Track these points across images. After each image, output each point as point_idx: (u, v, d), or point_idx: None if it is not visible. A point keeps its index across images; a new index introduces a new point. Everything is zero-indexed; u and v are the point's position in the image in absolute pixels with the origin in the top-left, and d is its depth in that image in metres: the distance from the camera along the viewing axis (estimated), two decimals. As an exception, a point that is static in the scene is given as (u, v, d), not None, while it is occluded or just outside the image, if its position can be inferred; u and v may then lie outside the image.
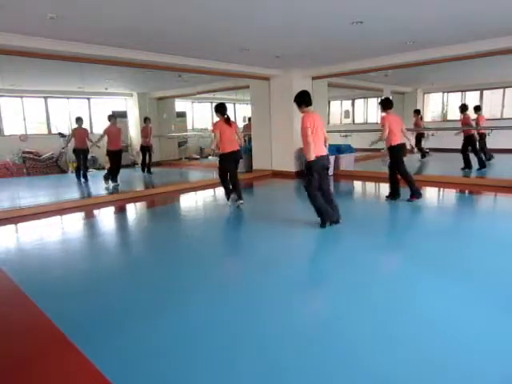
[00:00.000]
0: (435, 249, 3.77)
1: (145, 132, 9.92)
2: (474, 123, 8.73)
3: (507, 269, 3.18)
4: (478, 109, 9.14)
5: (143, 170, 10.15)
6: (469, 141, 8.49)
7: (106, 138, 7.96)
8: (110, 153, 8.02)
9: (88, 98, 10.97)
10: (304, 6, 4.32)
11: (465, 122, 8.60)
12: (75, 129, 8.52)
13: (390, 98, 6.24)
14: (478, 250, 3.73)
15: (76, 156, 8.68)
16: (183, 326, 2.43)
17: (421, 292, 2.79)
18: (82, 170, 8.71)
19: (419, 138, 10.88)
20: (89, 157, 10.09)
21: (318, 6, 4.31)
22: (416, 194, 5.70)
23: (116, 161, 8.08)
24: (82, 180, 8.69)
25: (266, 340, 2.23)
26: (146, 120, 9.99)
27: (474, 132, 8.54)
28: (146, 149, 9.99)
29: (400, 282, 3.00)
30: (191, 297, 2.86)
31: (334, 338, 2.23)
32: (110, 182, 8.10)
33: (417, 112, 11.20)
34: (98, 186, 8.32)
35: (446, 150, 10.82)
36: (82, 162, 8.65)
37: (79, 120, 8.54)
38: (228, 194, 6.00)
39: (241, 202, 5.80)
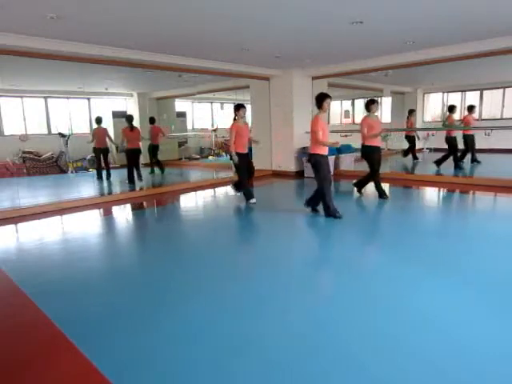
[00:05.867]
0: (435, 249, 3.77)
1: (155, 132, 9.63)
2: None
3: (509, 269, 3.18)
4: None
5: (153, 171, 9.92)
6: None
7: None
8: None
9: (88, 98, 10.96)
10: (304, 6, 4.32)
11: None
12: (96, 128, 8.68)
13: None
14: (478, 250, 3.73)
15: (96, 155, 8.78)
16: (184, 325, 2.43)
17: (421, 292, 2.79)
18: (102, 169, 8.85)
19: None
20: (88, 157, 10.10)
21: (318, 5, 4.31)
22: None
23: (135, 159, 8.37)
24: (105, 178, 8.87)
25: (265, 340, 2.23)
26: (152, 120, 9.72)
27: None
28: (155, 148, 9.74)
29: (401, 281, 3.00)
30: (192, 297, 2.85)
31: (333, 338, 2.23)
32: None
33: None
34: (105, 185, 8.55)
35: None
36: (104, 160, 8.80)
37: (99, 120, 8.70)
38: None
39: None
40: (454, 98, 13.61)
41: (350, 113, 15.39)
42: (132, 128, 8.11)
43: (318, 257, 3.89)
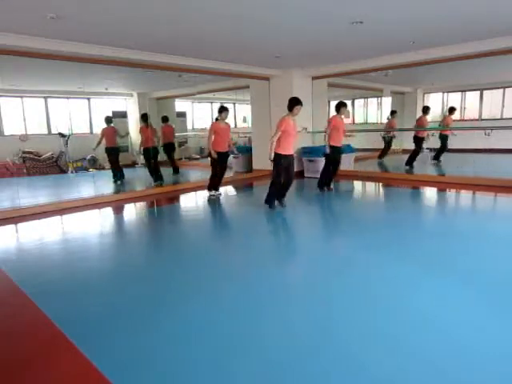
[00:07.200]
0: (435, 249, 3.77)
1: (167, 131, 9.69)
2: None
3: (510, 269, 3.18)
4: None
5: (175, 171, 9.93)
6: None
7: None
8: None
9: (88, 98, 10.96)
10: (304, 6, 4.32)
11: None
12: (105, 128, 8.69)
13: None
14: (479, 249, 3.73)
15: (108, 155, 8.78)
16: (184, 325, 2.43)
17: (421, 292, 2.79)
18: (118, 168, 8.90)
19: None
20: (88, 157, 10.11)
21: (318, 5, 4.31)
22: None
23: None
24: (118, 178, 8.90)
25: (265, 340, 2.23)
26: (165, 119, 9.74)
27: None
28: (169, 148, 9.79)
29: (401, 281, 3.00)
30: (192, 297, 2.85)
31: (333, 338, 2.23)
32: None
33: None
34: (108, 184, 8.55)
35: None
36: (115, 159, 8.82)
37: (109, 119, 8.74)
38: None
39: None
40: (454, 98, 13.60)
41: (350, 113, 15.38)
42: (148, 126, 8.13)
43: (317, 256, 3.89)
